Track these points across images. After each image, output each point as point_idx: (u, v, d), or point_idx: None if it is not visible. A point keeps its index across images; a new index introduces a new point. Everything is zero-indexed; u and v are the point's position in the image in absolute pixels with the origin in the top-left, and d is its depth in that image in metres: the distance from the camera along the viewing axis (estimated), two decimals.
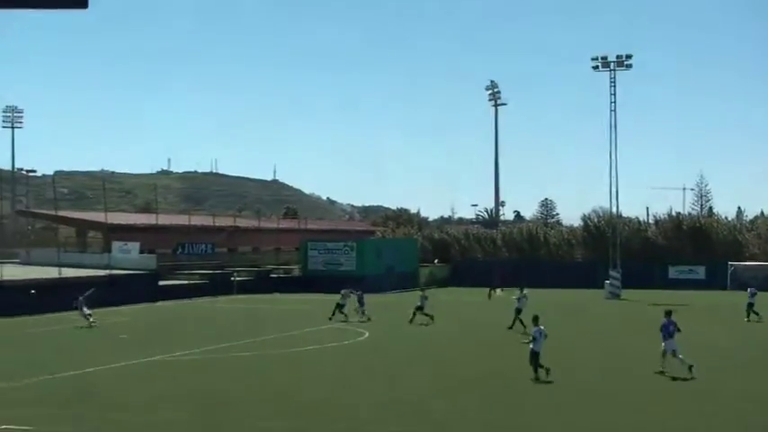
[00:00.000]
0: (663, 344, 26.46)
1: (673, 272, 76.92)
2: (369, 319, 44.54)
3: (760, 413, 21.00)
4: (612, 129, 68.05)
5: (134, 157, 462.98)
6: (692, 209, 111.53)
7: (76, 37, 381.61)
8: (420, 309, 43.55)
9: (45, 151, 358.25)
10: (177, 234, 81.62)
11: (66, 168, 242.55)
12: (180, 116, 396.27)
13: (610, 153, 67.93)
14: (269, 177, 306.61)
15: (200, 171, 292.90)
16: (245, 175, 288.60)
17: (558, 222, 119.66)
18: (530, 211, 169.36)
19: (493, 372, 27.18)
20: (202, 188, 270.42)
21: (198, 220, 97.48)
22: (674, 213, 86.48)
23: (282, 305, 56.69)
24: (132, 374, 27.44)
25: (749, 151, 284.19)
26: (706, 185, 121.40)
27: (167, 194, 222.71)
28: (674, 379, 25.17)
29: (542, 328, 25.74)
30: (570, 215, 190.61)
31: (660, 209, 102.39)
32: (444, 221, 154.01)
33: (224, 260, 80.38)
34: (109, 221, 79.40)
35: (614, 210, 71.60)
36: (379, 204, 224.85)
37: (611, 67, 68.51)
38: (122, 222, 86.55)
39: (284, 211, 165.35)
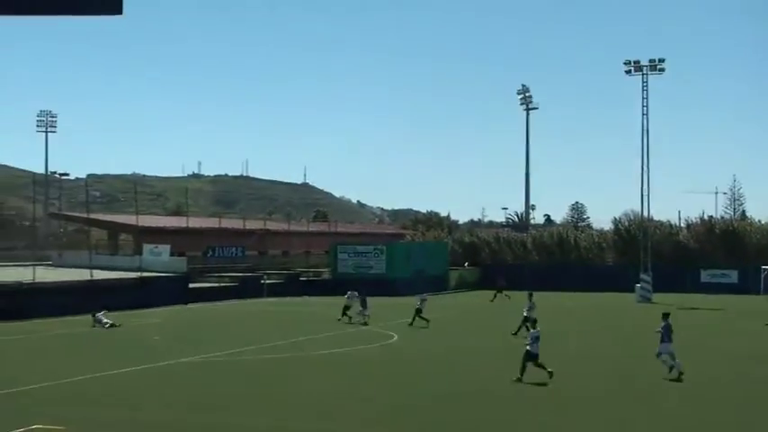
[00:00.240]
0: (659, 346, 26.53)
1: (705, 276, 76.22)
2: (365, 324, 44.11)
3: None
4: (644, 132, 67.68)
5: (165, 160, 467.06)
6: (725, 212, 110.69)
7: (109, 42, 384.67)
8: (419, 312, 43.56)
9: (78, 155, 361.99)
10: (208, 237, 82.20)
11: (98, 172, 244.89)
12: (211, 120, 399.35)
13: (641, 157, 67.57)
14: (299, 180, 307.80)
15: (230, 174, 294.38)
16: (276, 179, 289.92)
17: (589, 226, 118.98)
18: (560, 214, 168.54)
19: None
20: (233, 191, 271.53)
21: (228, 223, 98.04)
22: (706, 217, 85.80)
23: (312, 308, 56.77)
24: (165, 375, 27.59)
25: None
26: (739, 189, 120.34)
27: (198, 198, 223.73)
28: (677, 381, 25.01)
29: (539, 330, 26.01)
30: (601, 219, 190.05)
31: (692, 212, 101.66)
32: (474, 225, 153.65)
33: (254, 263, 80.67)
34: (140, 224, 79.89)
35: (645, 213, 71.10)
36: (409, 207, 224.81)
37: (644, 71, 68.08)
38: (153, 225, 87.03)
39: (314, 214, 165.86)
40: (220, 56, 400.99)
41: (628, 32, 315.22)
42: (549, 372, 24.95)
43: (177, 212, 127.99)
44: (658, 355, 26.50)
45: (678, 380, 25.69)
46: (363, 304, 45.88)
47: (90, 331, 42.39)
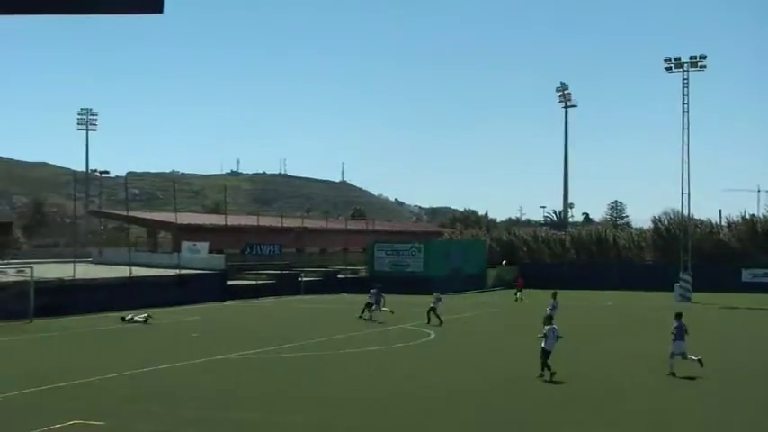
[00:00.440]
0: (672, 346, 26.45)
1: (746, 275, 75.35)
2: (370, 319, 44.66)
3: None
4: (685, 130, 66.98)
5: (204, 158, 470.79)
6: None
7: (149, 41, 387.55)
8: (433, 310, 43.49)
9: (118, 153, 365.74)
10: (246, 234, 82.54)
11: (137, 170, 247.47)
12: (249, 118, 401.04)
13: (682, 155, 66.88)
14: (337, 179, 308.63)
15: (268, 172, 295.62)
16: (314, 177, 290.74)
17: (628, 224, 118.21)
18: (599, 213, 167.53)
19: (561, 377, 26.92)
20: (271, 189, 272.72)
21: (266, 221, 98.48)
22: (747, 215, 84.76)
23: (349, 306, 56.79)
24: (205, 372, 27.67)
25: None
26: None
27: (236, 195, 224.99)
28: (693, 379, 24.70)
29: (556, 327, 25.91)
30: (640, 217, 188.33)
31: (733, 211, 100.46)
32: (512, 223, 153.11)
33: (291, 260, 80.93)
34: (179, 222, 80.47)
35: (686, 212, 70.37)
36: (447, 206, 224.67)
37: (685, 68, 67.39)
38: (192, 223, 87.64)
39: (352, 212, 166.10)
40: (258, 55, 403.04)
41: (668, 29, 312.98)
42: (551, 373, 24.95)
43: (215, 210, 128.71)
44: (672, 355, 26.41)
45: (673, 375, 25.81)
46: (377, 301, 45.99)
47: (128, 328, 42.73)
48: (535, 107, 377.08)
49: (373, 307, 45.80)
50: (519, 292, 62.56)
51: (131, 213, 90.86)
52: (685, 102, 67.23)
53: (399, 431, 19.32)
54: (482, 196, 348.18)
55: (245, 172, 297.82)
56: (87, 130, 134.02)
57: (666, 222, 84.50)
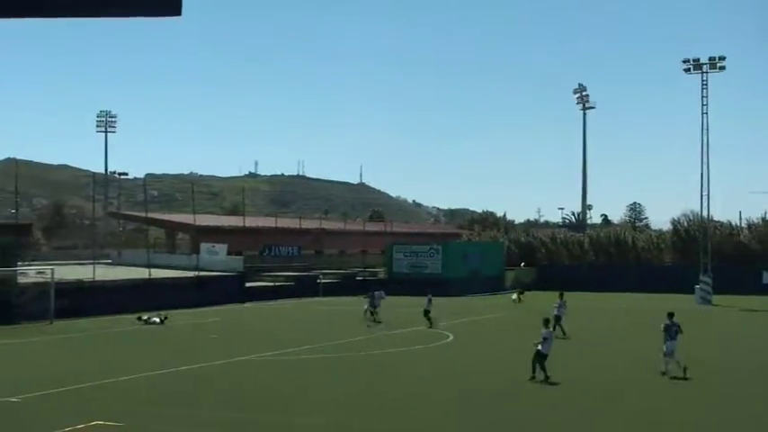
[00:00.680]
0: (665, 345, 26.58)
1: (767, 277, 74.79)
2: (373, 322, 44.38)
3: None
4: (704, 131, 66.54)
5: (222, 160, 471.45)
6: None
7: (167, 43, 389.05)
8: (427, 312, 43.49)
9: (137, 155, 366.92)
10: (264, 236, 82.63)
11: (156, 171, 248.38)
12: (267, 120, 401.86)
13: (701, 156, 66.43)
14: (355, 180, 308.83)
15: (286, 174, 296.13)
16: (332, 178, 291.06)
17: (647, 226, 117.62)
18: (618, 214, 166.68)
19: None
20: (289, 191, 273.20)
21: (284, 222, 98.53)
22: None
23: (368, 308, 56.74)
24: (224, 373, 27.73)
25: None
26: None
27: (255, 197, 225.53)
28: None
29: (552, 330, 26.27)
30: (659, 219, 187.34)
31: (754, 213, 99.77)
32: (530, 225, 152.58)
33: (310, 262, 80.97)
34: (197, 223, 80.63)
35: (706, 213, 69.92)
36: (465, 207, 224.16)
37: (704, 69, 66.97)
38: (210, 224, 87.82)
39: (370, 213, 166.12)
40: (276, 59, 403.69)
41: (687, 30, 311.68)
42: (546, 376, 25.11)
43: (234, 212, 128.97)
44: (665, 354, 26.54)
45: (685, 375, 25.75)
46: (373, 303, 45.92)
47: (147, 329, 42.89)
48: (553, 108, 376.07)
49: (372, 309, 45.73)
50: (520, 295, 62.45)
51: (150, 215, 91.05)
52: (704, 103, 66.83)
53: None
54: (500, 198, 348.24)
55: (263, 174, 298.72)
56: (106, 132, 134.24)
57: (686, 224, 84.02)
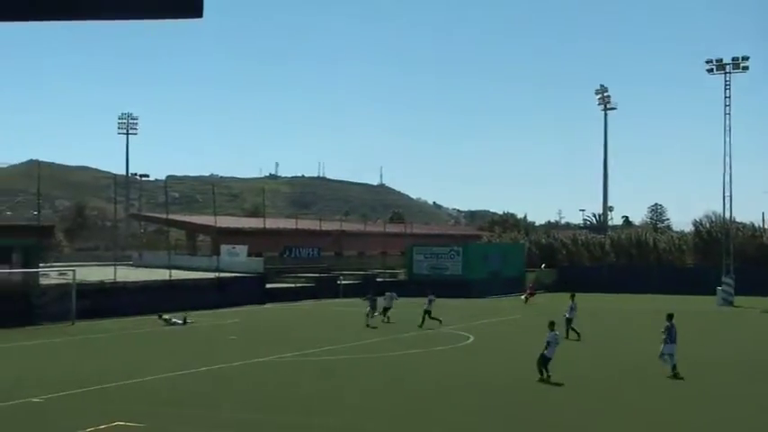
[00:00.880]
0: (663, 347, 26.57)
1: None
2: (368, 326, 43.88)
3: None
4: (727, 132, 66.18)
5: (243, 162, 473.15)
6: None
7: (189, 46, 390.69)
8: (428, 313, 43.48)
9: (158, 157, 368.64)
10: (284, 238, 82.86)
11: (177, 173, 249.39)
12: (288, 122, 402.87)
13: (724, 157, 66.10)
14: (375, 182, 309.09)
15: (307, 176, 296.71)
16: (352, 180, 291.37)
17: (669, 227, 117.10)
18: (639, 216, 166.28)
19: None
20: (309, 192, 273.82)
21: (305, 224, 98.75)
22: None
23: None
24: (243, 375, 27.80)
25: None
26: None
27: (275, 199, 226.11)
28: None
29: (557, 333, 26.43)
30: (681, 220, 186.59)
31: None
32: (551, 226, 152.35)
33: (330, 264, 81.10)
34: (218, 225, 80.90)
35: (728, 215, 69.51)
36: (486, 209, 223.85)
37: (727, 70, 66.61)
38: (231, 226, 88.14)
39: (390, 215, 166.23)
40: (297, 61, 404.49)
41: (710, 30, 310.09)
42: (547, 375, 25.32)
43: (254, 213, 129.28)
44: (661, 355, 26.58)
45: (676, 377, 25.91)
46: (373, 305, 45.67)
47: (168, 330, 43.06)
48: (574, 109, 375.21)
49: (376, 313, 45.56)
50: (531, 297, 62.50)
51: (171, 216, 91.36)
52: (727, 104, 66.48)
53: None
54: (521, 199, 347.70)
55: (283, 175, 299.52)
56: (128, 134, 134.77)
57: (708, 225, 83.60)
